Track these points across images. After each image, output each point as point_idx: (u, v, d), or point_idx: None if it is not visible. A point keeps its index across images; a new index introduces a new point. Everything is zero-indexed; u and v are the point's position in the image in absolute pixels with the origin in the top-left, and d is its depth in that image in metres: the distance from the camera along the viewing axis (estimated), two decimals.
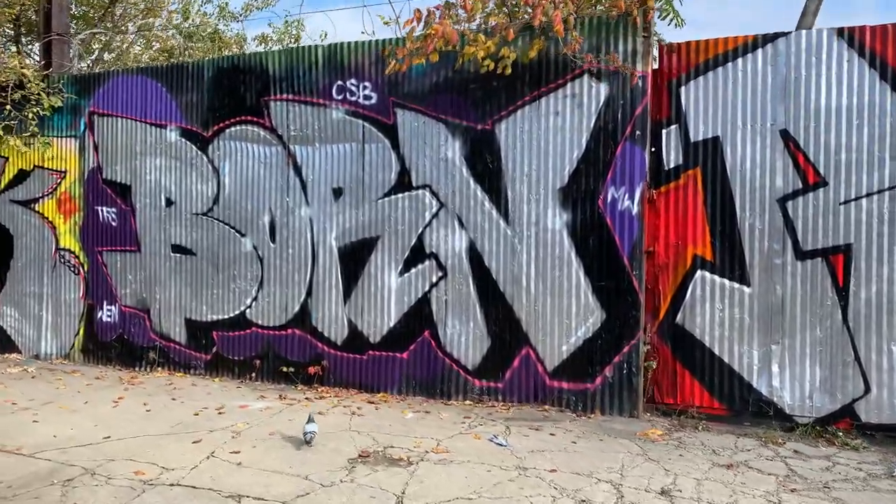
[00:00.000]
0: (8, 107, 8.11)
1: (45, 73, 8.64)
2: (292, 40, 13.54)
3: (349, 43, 6.97)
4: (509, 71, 5.95)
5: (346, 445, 5.24)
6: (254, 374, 7.38)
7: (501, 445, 5.20)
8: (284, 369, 7.18)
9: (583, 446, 5.26)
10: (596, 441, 5.39)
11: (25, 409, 6.30)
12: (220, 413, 6.17)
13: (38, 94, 8.11)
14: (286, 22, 13.37)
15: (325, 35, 13.76)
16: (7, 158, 8.82)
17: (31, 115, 8.21)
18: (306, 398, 6.67)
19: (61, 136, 8.46)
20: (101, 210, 8.25)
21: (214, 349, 7.63)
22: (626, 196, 5.93)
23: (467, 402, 6.44)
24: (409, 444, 5.24)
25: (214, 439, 5.40)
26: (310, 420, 5.24)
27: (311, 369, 7.01)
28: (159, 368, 7.88)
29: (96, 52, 11.83)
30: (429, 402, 6.52)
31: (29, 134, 8.34)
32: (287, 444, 5.26)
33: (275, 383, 7.26)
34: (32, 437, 5.45)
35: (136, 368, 7.99)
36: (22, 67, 8.03)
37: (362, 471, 4.69)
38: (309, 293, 7.17)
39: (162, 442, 5.34)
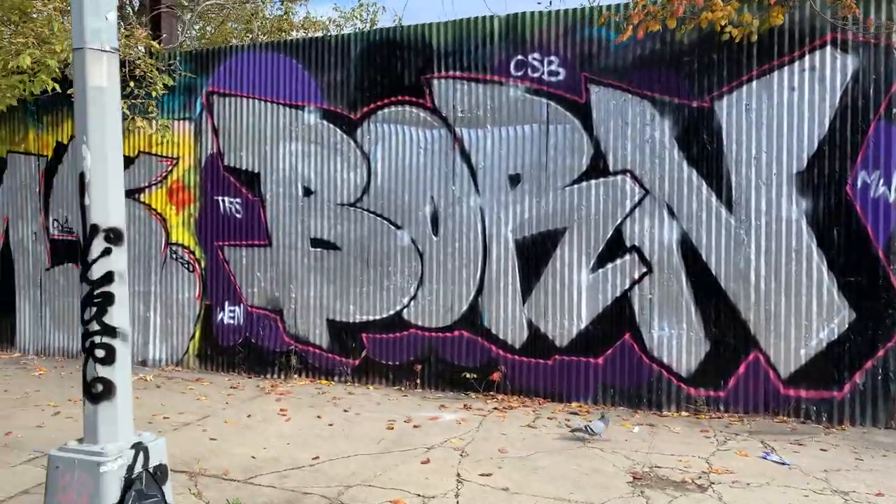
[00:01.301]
0: (132, 84, 7.27)
1: (167, 48, 7.78)
2: (366, 24, 12.77)
3: (532, 13, 6.27)
4: (755, 38, 5.29)
5: (602, 464, 4.55)
6: (416, 381, 6.64)
7: (784, 464, 4.54)
8: (466, 375, 6.40)
9: (875, 464, 4.62)
10: (880, 458, 4.75)
11: (186, 425, 5.52)
12: (415, 427, 5.44)
13: (152, 71, 7.28)
14: (360, 4, 12.60)
15: (400, 19, 13.03)
16: None
17: (154, 94, 7.36)
18: (495, 408, 5.96)
19: (173, 119, 7.63)
20: (223, 200, 7.44)
21: (364, 353, 6.88)
22: (881, 181, 5.30)
23: (683, 413, 5.77)
24: (674, 464, 4.56)
25: (442, 458, 4.68)
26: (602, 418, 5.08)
27: (496, 375, 6.28)
28: (295, 375, 7.10)
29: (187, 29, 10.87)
30: (637, 413, 5.83)
31: (154, 116, 7.51)
32: (534, 463, 4.55)
33: (440, 390, 6.53)
34: (228, 459, 4.69)
35: (268, 376, 7.20)
36: (146, 39, 7.18)
37: (659, 497, 4.00)
38: (480, 291, 6.45)
39: (384, 462, 4.61)
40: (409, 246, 6.70)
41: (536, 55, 6.24)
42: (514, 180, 6.33)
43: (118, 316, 3.05)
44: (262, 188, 7.27)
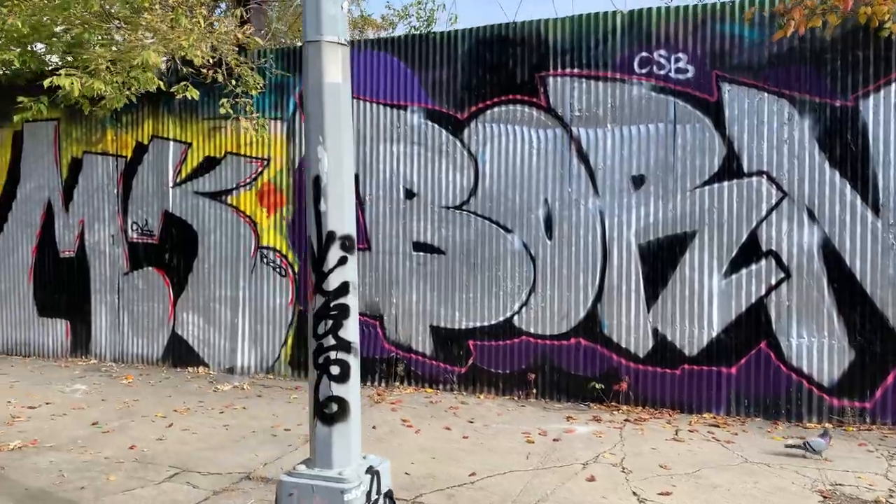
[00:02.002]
0: (233, 82, 7.02)
1: (263, 45, 7.51)
2: (423, 24, 12.51)
3: (658, 8, 6.04)
4: None
5: (780, 482, 4.31)
6: (530, 391, 6.39)
7: None
8: (594, 385, 6.14)
9: None
10: None
11: None
12: (554, 440, 5.20)
13: (244, 69, 7.04)
14: (418, 1, 12.35)
15: (456, 18, 12.80)
16: (190, 144, 7.73)
17: (254, 92, 7.10)
18: (626, 420, 5.72)
19: (238, 117, 7.37)
20: None
21: (470, 361, 6.64)
22: None
23: (826, 424, 5.53)
24: (855, 481, 4.33)
25: (606, 475, 4.44)
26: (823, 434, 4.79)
27: (623, 385, 6.04)
28: (398, 383, 6.86)
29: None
30: (778, 424, 5.59)
31: (257, 116, 7.26)
32: (707, 481, 4.30)
33: (556, 401, 6.29)
34: None
35: (369, 383, 6.96)
36: (245, 35, 6.92)
37: None
38: (599, 297, 6.22)
39: (547, 480, 4.37)
40: (521, 250, 6.47)
41: (662, 52, 6.01)
42: (638, 182, 6.10)
43: (352, 330, 2.83)
44: (360, 191, 7.03)
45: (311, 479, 2.73)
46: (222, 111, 7.03)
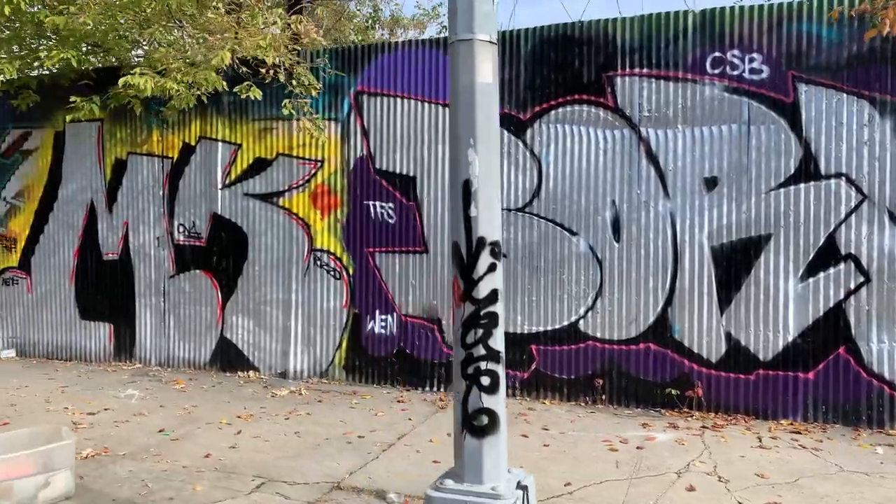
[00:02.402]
0: (293, 82, 6.89)
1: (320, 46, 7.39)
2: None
3: (732, 8, 5.93)
4: None
5: (888, 492, 4.21)
6: (597, 397, 6.29)
7: None
8: (670, 392, 6.03)
9: None
10: None
11: (391, 446, 5.17)
12: (637, 448, 5.09)
13: (299, 69, 6.92)
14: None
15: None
16: (240, 145, 7.61)
17: (314, 93, 6.99)
18: (703, 427, 5.61)
19: (300, 119, 7.24)
20: (374, 205, 7.09)
21: (533, 366, 6.53)
22: None
23: None
24: None
25: (704, 485, 4.34)
26: None
27: (698, 391, 5.94)
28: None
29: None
30: (860, 431, 5.49)
31: (317, 118, 7.14)
32: (812, 490, 4.18)
33: (626, 406, 6.19)
34: None
35: (426, 388, 6.85)
36: (313, 33, 6.80)
37: None
38: (669, 301, 6.11)
39: (646, 490, 4.26)
40: (587, 252, 6.36)
41: (736, 52, 5.90)
42: (711, 184, 5.99)
43: (500, 339, 2.71)
44: (418, 192, 6.93)
45: (464, 494, 2.62)
46: (285, 112, 6.91)
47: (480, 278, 2.69)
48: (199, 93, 6.74)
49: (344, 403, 6.40)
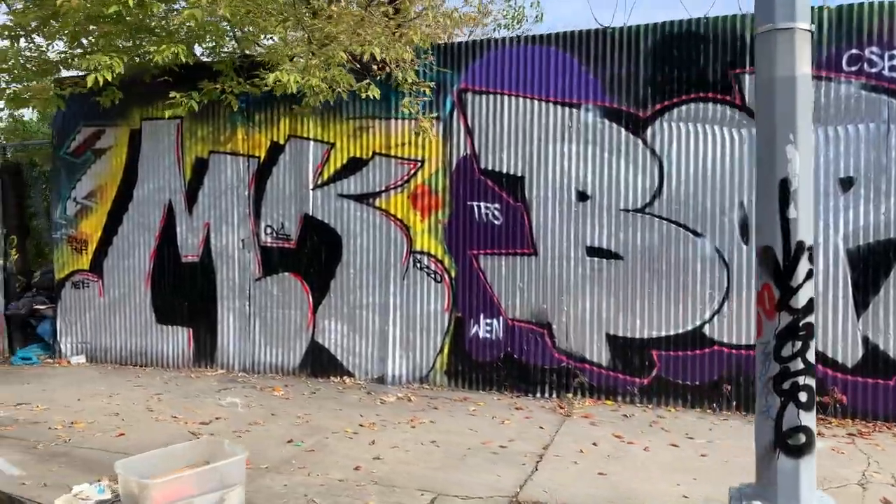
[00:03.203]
0: (409, 80, 6.66)
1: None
2: (511, 21, 12.21)
3: (871, 3, 5.77)
4: None
5: None
6: (725, 403, 6.10)
7: None
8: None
9: None
10: None
11: (541, 457, 4.96)
12: None
13: (407, 69, 6.69)
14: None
15: (542, 16, 12.52)
16: (333, 144, 7.39)
17: (426, 90, 6.76)
18: (849, 433, 5.44)
19: (414, 119, 7.06)
20: (478, 206, 6.88)
21: (654, 372, 6.35)
22: None
23: None
24: None
25: None
26: None
27: (841, 397, 5.77)
28: (570, 395, 6.55)
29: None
30: None
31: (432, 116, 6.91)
32: None
33: (751, 412, 6.01)
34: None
35: (536, 394, 6.65)
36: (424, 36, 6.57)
37: None
38: None
39: None
40: (712, 255, 6.18)
41: (875, 49, 5.75)
42: (846, 184, 5.83)
43: (813, 352, 2.52)
44: (526, 192, 6.72)
45: None
46: (405, 111, 6.72)
47: (799, 286, 2.49)
48: (339, 90, 6.48)
49: (459, 410, 6.19)
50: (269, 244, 7.68)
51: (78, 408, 6.31)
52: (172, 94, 6.83)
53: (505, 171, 6.80)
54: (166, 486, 3.62)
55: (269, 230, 7.67)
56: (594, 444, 5.22)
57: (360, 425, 5.73)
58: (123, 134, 8.25)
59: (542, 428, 5.66)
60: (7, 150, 9.25)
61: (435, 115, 7.01)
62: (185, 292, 8.05)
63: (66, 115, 8.38)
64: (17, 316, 8.81)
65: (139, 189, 8.21)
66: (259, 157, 7.69)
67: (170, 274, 8.10)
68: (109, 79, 6.24)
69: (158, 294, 8.17)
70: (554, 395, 6.63)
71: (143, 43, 6.48)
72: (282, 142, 7.58)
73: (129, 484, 3.68)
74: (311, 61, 5.87)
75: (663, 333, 6.34)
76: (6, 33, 7.08)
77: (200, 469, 3.77)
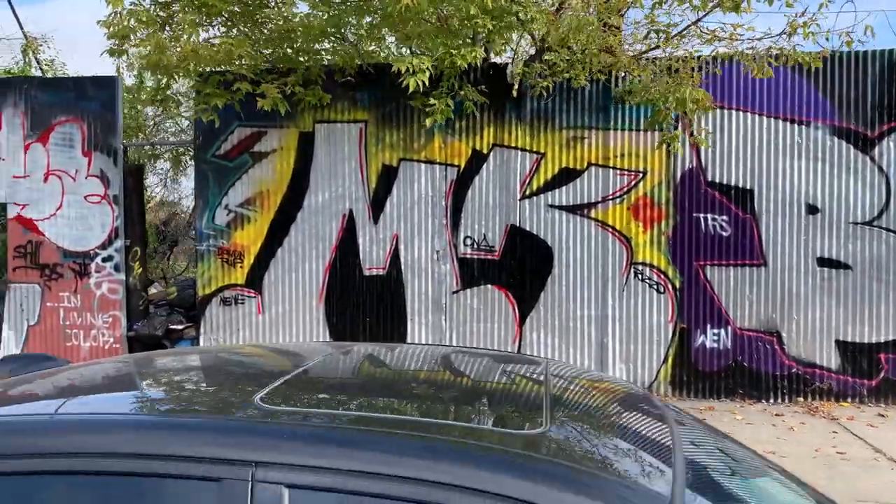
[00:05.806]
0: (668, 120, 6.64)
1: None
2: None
3: None
4: None
5: None
6: None
7: None
8: None
9: None
10: None
11: (873, 467, 5.23)
12: None
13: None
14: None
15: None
16: (543, 154, 7.27)
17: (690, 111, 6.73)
18: None
19: (634, 130, 7.12)
20: (705, 218, 7.05)
21: (882, 374, 6.81)
22: None
23: None
24: None
25: None
26: None
27: None
28: (800, 398, 6.88)
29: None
30: None
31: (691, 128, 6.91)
32: None
33: None
34: None
35: (771, 400, 6.92)
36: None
37: None
38: None
39: None
40: None
41: None
42: None
43: None
44: (755, 206, 6.98)
45: None
46: (653, 127, 6.75)
47: None
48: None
49: (722, 420, 6.34)
50: (468, 255, 7.43)
51: None
52: (431, 101, 6.39)
53: (733, 183, 7.03)
54: None
55: (468, 241, 7.43)
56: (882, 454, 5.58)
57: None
58: (291, 136, 7.64)
59: (834, 433, 5.94)
60: (127, 149, 8.19)
61: (657, 128, 7.09)
62: (366, 307, 7.60)
63: (218, 114, 7.64)
64: (151, 337, 7.91)
65: (311, 197, 7.65)
66: (459, 166, 7.41)
67: (349, 288, 7.62)
68: (426, 81, 5.79)
69: (334, 310, 7.66)
70: (786, 400, 6.95)
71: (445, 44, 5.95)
72: (485, 151, 7.36)
73: None
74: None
75: (891, 338, 6.82)
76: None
77: None
